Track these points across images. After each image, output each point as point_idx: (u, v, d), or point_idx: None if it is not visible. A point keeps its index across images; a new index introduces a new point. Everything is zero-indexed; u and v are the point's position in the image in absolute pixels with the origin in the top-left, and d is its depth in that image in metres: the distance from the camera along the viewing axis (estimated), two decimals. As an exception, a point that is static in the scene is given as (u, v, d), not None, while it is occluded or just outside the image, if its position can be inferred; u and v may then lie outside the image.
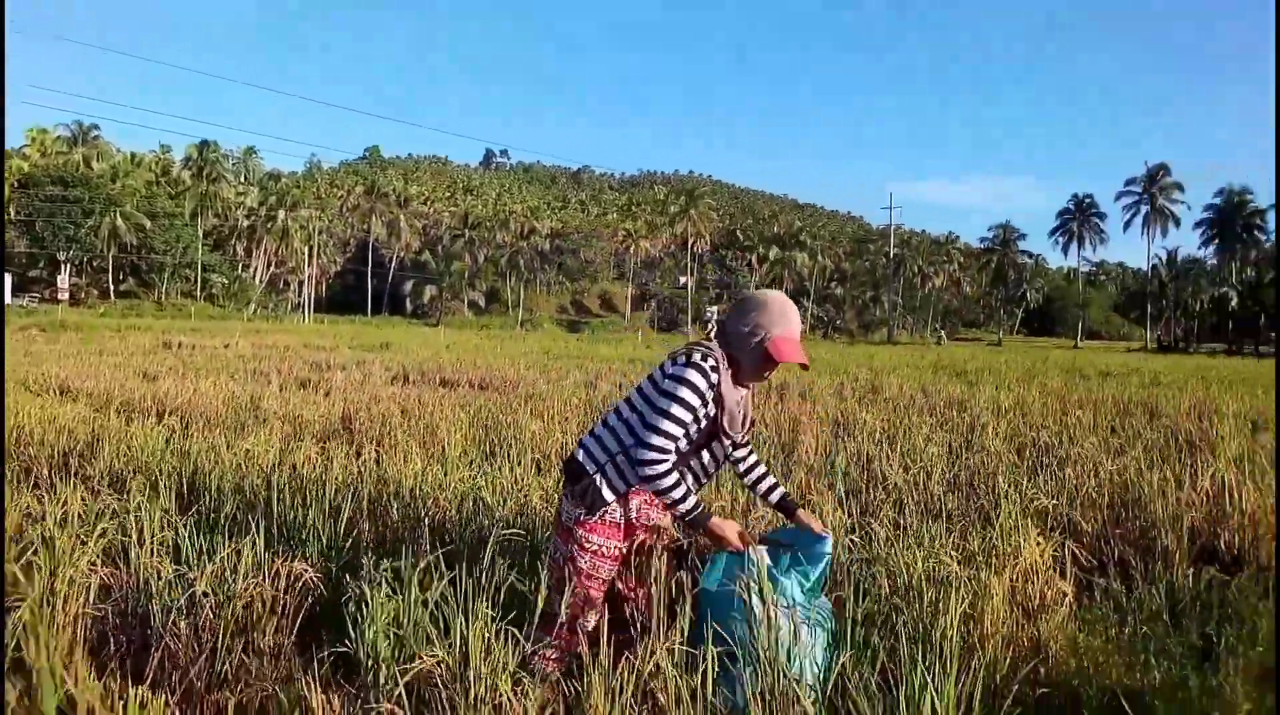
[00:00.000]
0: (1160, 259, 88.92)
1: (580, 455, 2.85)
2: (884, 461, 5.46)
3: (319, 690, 2.07)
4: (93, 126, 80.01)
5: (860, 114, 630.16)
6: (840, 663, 2.67)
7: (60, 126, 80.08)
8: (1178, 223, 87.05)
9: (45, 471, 6.14)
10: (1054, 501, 4.31)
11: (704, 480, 2.96)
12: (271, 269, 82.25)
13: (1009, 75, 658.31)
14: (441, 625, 2.34)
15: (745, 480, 3.12)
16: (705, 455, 2.90)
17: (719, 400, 2.73)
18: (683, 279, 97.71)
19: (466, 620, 2.22)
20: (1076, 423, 8.79)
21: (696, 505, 2.73)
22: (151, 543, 3.20)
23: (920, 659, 2.38)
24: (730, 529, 2.80)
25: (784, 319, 2.74)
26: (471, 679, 2.10)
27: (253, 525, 3.25)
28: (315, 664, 2.50)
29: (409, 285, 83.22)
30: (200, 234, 74.99)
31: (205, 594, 2.65)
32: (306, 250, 78.83)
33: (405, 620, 2.39)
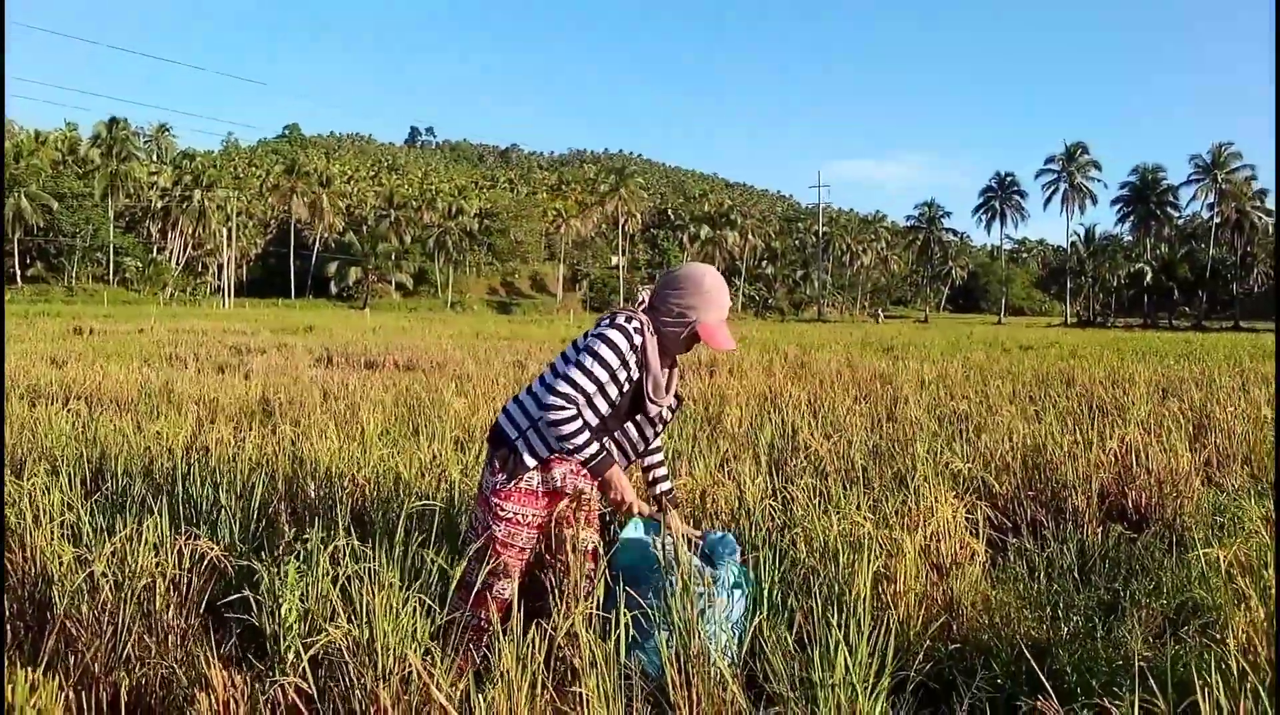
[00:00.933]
0: (1079, 236, 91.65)
1: (502, 421, 2.81)
2: (807, 431, 5.52)
3: (220, 667, 1.99)
4: (-7, 103, 76.22)
5: (788, 89, 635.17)
6: (755, 624, 2.69)
7: (-44, 103, 76.14)
8: (1095, 200, 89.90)
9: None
10: (969, 465, 4.41)
11: (631, 456, 2.95)
12: (188, 252, 79.73)
13: (934, 50, 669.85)
14: (349, 599, 2.27)
15: (643, 461, 3.11)
16: (632, 430, 2.90)
17: (644, 365, 2.74)
18: (615, 259, 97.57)
19: (374, 592, 2.16)
20: (996, 393, 9.01)
21: (600, 451, 2.70)
22: (50, 526, 3.06)
23: (835, 618, 2.40)
24: (630, 489, 2.79)
25: (715, 304, 2.75)
26: (379, 650, 2.05)
27: (157, 506, 3.13)
28: (221, 643, 2.43)
29: (333, 267, 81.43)
30: (111, 216, 72.29)
31: (104, 575, 2.54)
32: (225, 232, 76.55)
33: (312, 596, 2.33)
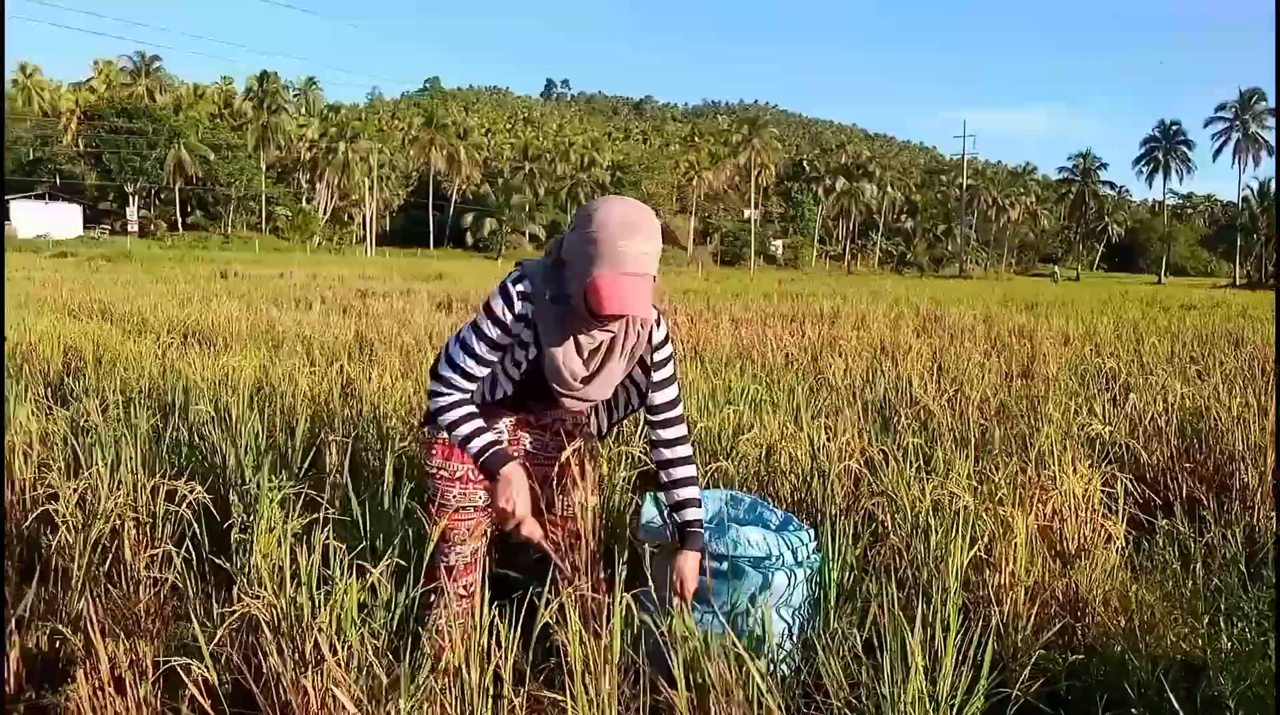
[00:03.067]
0: (1252, 190, 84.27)
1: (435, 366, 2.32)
2: (919, 386, 4.87)
3: (121, 637, 1.63)
4: (154, 58, 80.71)
5: (933, 37, 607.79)
6: (817, 618, 2.17)
7: (123, 58, 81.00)
8: (1271, 151, 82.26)
9: (41, 388, 5.91)
10: (1109, 428, 3.68)
11: (602, 430, 2.43)
12: (335, 202, 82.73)
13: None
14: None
15: (661, 466, 2.34)
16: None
17: (537, 340, 2.08)
18: (747, 212, 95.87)
19: (327, 555, 1.75)
20: (1151, 352, 8.02)
21: (486, 447, 2.11)
22: (36, 454, 2.81)
23: (919, 612, 1.86)
24: (524, 499, 2.10)
25: (611, 251, 1.90)
26: (304, 629, 1.64)
27: (166, 441, 2.83)
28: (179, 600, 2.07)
29: (469, 218, 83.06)
30: (263, 167, 75.58)
31: (62, 515, 2.23)
32: (367, 183, 78.99)
33: (271, 554, 1.94)
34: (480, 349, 2.10)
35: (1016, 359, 7.36)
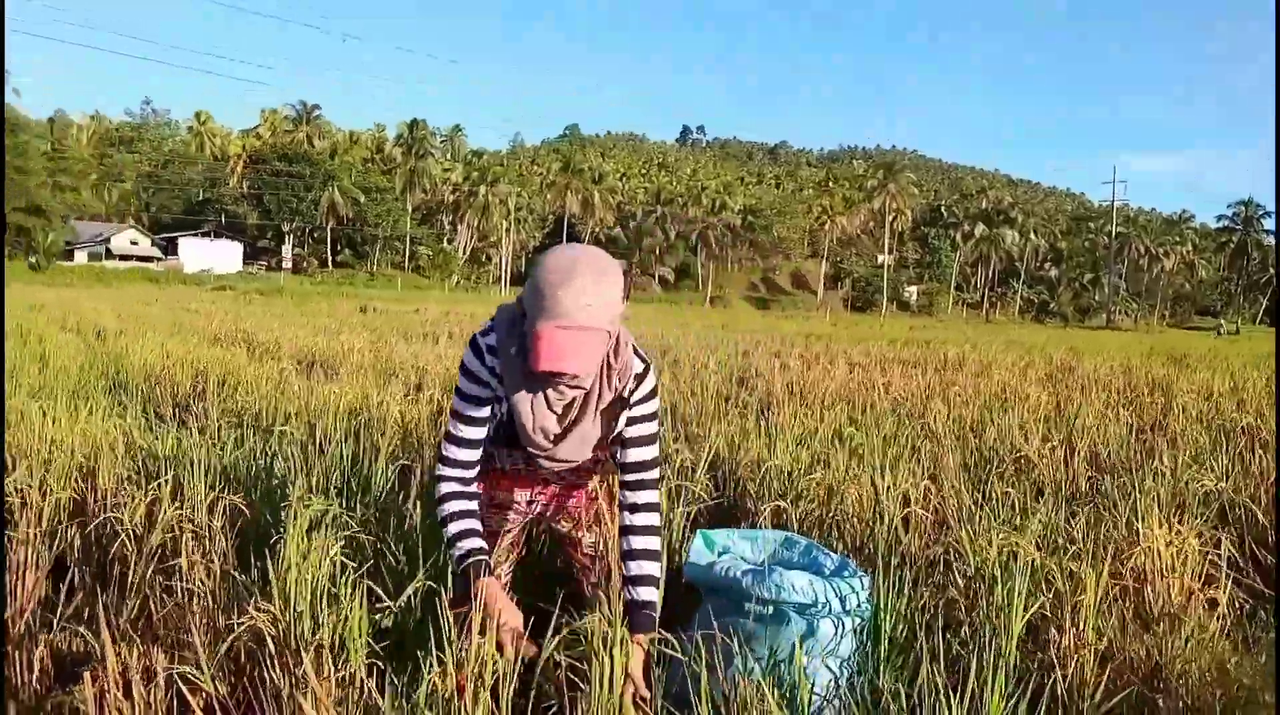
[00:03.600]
0: None
1: None
2: (1026, 436, 4.59)
3: (118, 643, 1.66)
4: (314, 106, 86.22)
5: (1083, 81, 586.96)
6: (868, 673, 2.03)
7: (287, 106, 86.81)
8: None
9: (169, 406, 6.28)
10: (1223, 485, 3.35)
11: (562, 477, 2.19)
12: (474, 242, 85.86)
13: (1262, 35, 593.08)
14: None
15: (621, 540, 2.09)
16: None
17: (505, 396, 1.94)
18: (881, 257, 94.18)
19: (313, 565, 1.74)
20: (1304, 409, 7.36)
21: (468, 555, 1.94)
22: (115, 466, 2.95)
23: (975, 673, 1.71)
24: (508, 613, 1.89)
25: (544, 298, 1.73)
26: (301, 642, 1.63)
27: (246, 455, 2.93)
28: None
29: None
30: (409, 208, 79.36)
31: (120, 520, 2.32)
32: (505, 225, 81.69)
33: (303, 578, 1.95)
34: (468, 410, 1.98)
35: (1147, 412, 6.88)
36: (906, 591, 2.21)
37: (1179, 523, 2.53)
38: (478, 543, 1.97)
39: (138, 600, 2.13)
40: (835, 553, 2.39)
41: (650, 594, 2.02)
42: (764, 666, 2.06)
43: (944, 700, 1.67)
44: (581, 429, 1.95)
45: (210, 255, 70.89)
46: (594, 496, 2.22)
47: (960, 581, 2.28)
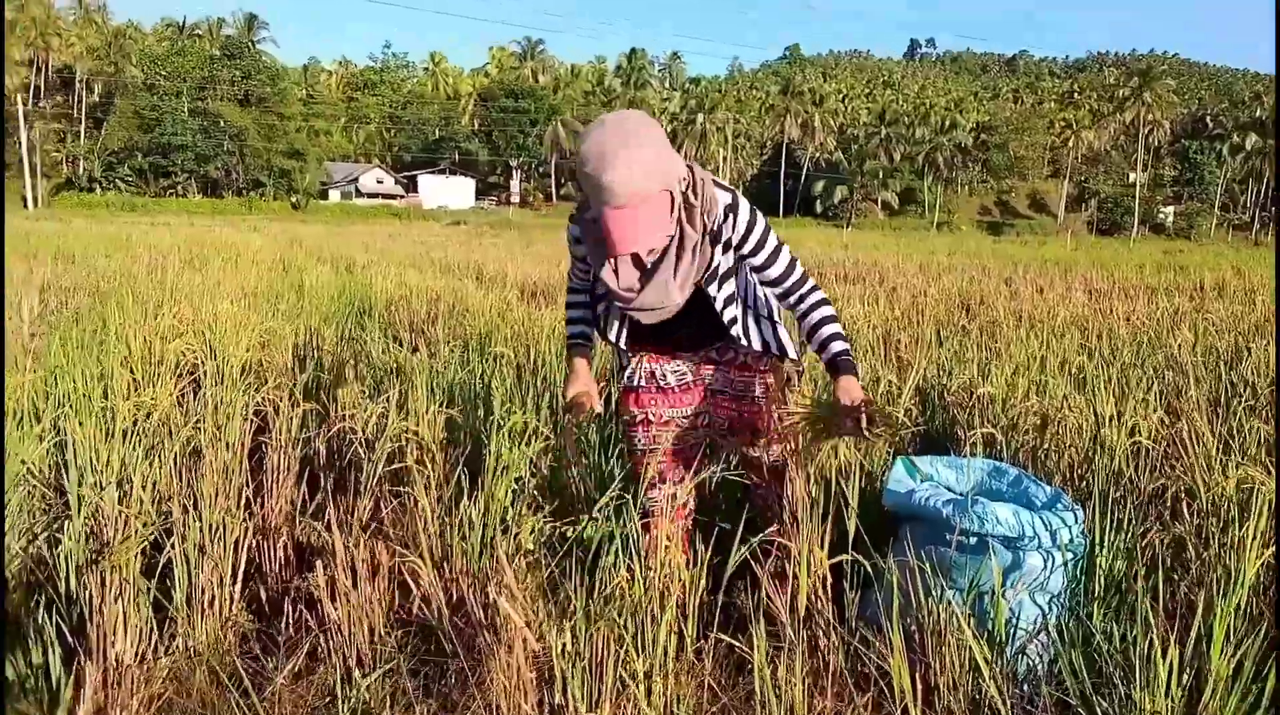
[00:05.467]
0: None
1: None
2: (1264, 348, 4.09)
3: (348, 538, 1.82)
4: (539, 41, 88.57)
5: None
6: (1079, 611, 1.91)
7: (513, 43, 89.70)
8: None
9: (405, 331, 6.80)
10: None
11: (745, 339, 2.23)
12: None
13: None
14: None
15: (803, 334, 2.21)
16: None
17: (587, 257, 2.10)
18: (1132, 175, 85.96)
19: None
20: None
21: (568, 339, 2.32)
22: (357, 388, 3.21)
23: (1199, 618, 1.58)
24: (578, 383, 2.23)
25: (590, 185, 1.79)
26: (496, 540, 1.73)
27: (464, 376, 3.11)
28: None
29: (819, 186, 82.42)
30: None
31: (354, 430, 2.55)
32: (722, 153, 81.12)
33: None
34: (575, 269, 2.25)
35: None
36: (1129, 528, 2.04)
37: None
38: (580, 329, 2.30)
39: (370, 501, 2.35)
40: (1049, 485, 2.25)
41: (842, 344, 2.12)
42: (963, 597, 1.99)
43: (1159, 646, 1.54)
44: (663, 272, 2.00)
45: (446, 192, 75.19)
46: (772, 398, 2.25)
47: (1190, 520, 2.08)
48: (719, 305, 2.12)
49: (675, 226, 1.95)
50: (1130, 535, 2.02)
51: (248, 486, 2.39)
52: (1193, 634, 1.68)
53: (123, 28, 78.39)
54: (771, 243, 2.11)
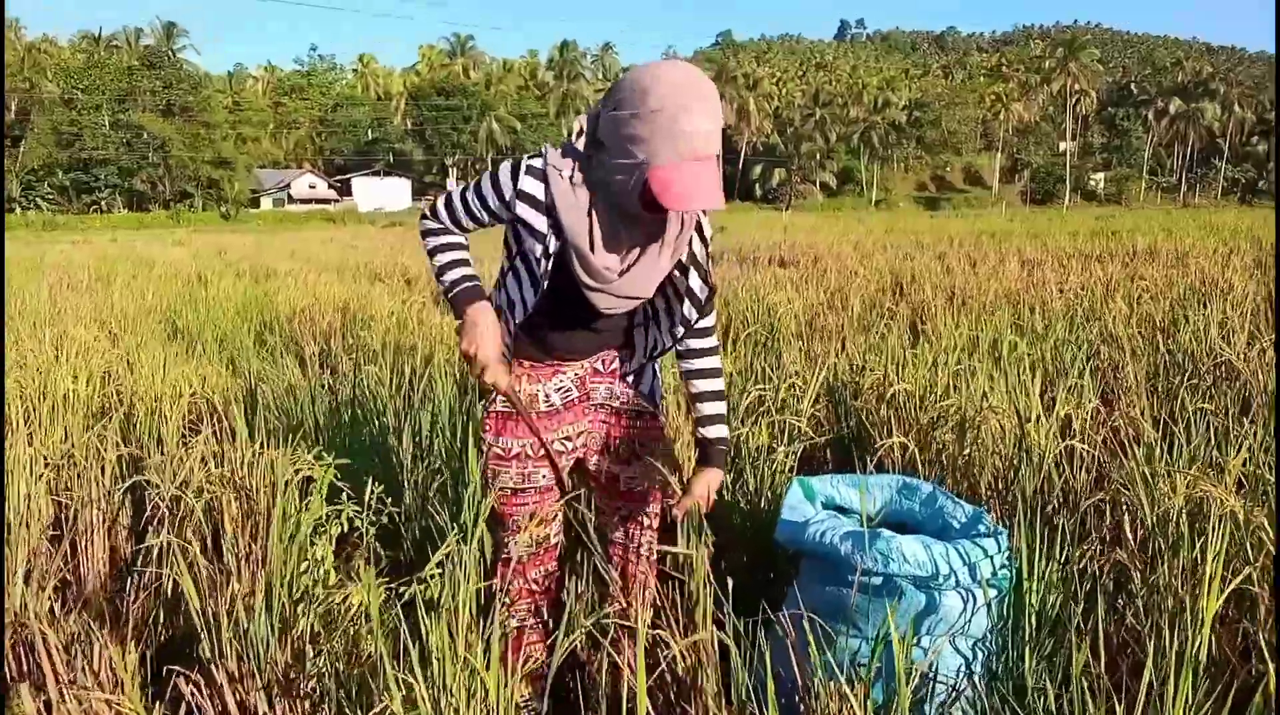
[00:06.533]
0: None
1: None
2: (1230, 338, 3.84)
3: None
4: (469, 37, 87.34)
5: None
6: (1009, 658, 1.58)
7: (442, 40, 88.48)
8: None
9: (311, 344, 6.34)
10: None
11: (641, 358, 1.97)
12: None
13: None
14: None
15: (686, 385, 2.00)
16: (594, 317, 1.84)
17: (557, 227, 1.68)
18: (1062, 145, 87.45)
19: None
20: None
21: (458, 282, 1.77)
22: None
23: (1152, 666, 1.25)
24: (492, 342, 1.73)
25: (668, 132, 1.51)
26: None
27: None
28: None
29: (757, 170, 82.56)
30: (565, 132, 79.70)
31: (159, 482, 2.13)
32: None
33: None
34: (469, 201, 1.78)
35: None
36: (1062, 552, 1.71)
37: None
38: (468, 270, 1.80)
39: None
40: (968, 500, 1.91)
41: (721, 431, 1.97)
42: (871, 649, 1.64)
43: (1104, 703, 1.21)
44: (649, 257, 1.73)
45: (381, 193, 73.84)
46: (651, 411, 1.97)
47: (1132, 539, 1.75)
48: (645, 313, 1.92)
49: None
50: (1064, 561, 1.68)
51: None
52: (1143, 683, 1.35)
53: (37, 42, 75.76)
54: (707, 265, 1.85)
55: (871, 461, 2.44)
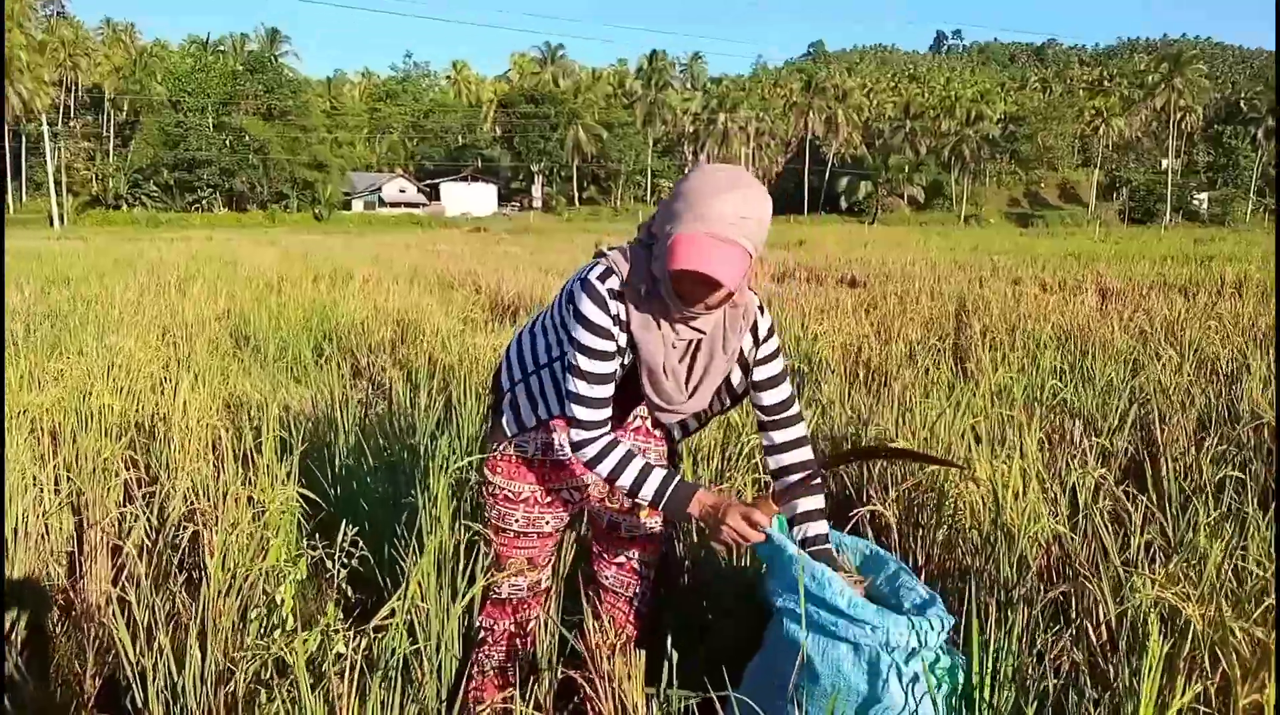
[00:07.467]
0: None
1: (502, 365, 1.98)
2: (1257, 389, 3.64)
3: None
4: (559, 47, 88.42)
5: None
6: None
7: (533, 48, 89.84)
8: None
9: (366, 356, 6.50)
10: None
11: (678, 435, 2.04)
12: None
13: None
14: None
15: (773, 464, 1.92)
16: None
17: (633, 345, 1.72)
18: (1164, 162, 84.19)
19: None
20: None
21: (665, 484, 1.72)
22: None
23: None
24: (734, 511, 1.69)
25: (697, 209, 1.56)
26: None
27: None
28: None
29: (844, 182, 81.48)
30: (650, 142, 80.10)
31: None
32: (745, 152, 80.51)
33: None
34: (596, 366, 1.71)
35: None
36: (1017, 646, 1.63)
37: None
38: (656, 470, 1.75)
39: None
40: (924, 586, 1.83)
41: (822, 528, 1.89)
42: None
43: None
44: (711, 375, 1.79)
45: (468, 199, 75.27)
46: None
47: (1093, 638, 1.66)
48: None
49: (718, 324, 1.76)
50: (1017, 660, 1.60)
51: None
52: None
53: (149, 46, 79.53)
54: (783, 362, 1.92)
55: (847, 527, 2.36)
